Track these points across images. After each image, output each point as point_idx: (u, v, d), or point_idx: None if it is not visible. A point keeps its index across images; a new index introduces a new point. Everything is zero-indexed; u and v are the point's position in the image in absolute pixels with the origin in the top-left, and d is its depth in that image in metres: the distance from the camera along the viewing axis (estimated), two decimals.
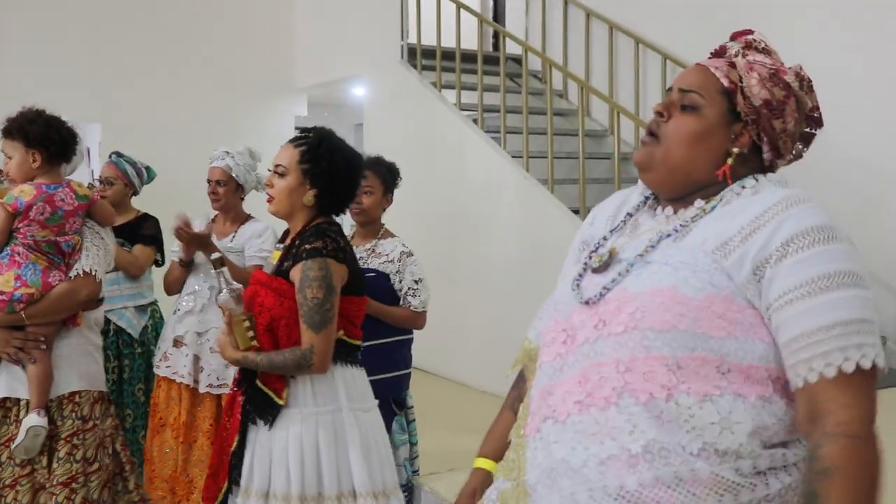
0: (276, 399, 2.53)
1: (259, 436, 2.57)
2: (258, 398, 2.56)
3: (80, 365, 3.02)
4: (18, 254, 2.92)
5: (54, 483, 2.88)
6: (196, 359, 3.79)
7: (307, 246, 2.55)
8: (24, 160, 2.96)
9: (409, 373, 3.78)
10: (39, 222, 2.91)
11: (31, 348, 2.90)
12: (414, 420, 3.81)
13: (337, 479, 2.55)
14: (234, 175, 3.90)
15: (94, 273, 2.98)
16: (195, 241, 3.62)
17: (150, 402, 3.95)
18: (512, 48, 7.71)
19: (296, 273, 2.54)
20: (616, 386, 1.33)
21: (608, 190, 6.25)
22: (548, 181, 6.28)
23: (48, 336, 2.95)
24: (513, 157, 6.57)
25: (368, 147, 8.18)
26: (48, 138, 2.97)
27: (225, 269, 2.59)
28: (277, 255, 2.68)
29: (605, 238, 1.55)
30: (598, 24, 7.86)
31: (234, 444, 2.61)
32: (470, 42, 7.51)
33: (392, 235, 3.74)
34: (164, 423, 3.82)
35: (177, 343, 3.82)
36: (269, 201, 2.67)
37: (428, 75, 7.55)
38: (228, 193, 3.92)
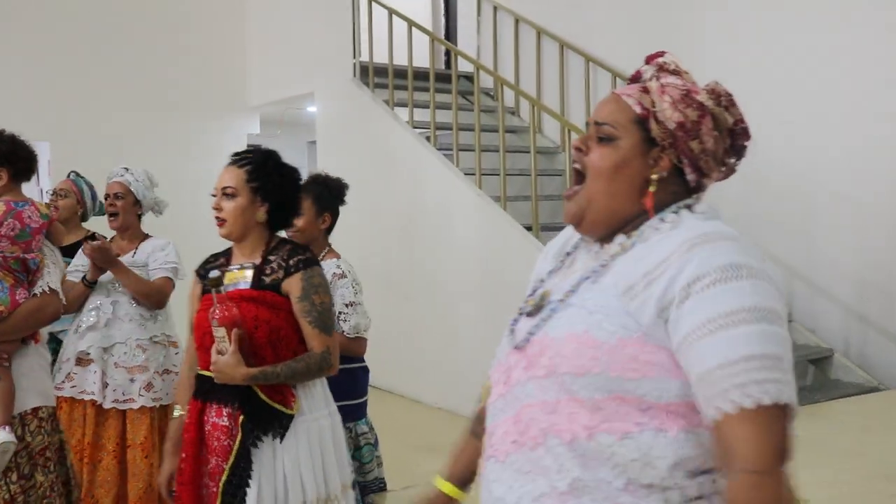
0: (286, 410, 2.57)
1: (261, 456, 2.54)
2: (265, 414, 2.55)
3: (38, 381, 3.02)
4: None
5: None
6: (102, 374, 3.72)
7: (298, 258, 2.64)
8: None
9: (358, 404, 3.61)
10: (10, 238, 2.90)
11: None
12: (368, 445, 3.68)
13: (339, 476, 2.71)
14: (132, 189, 3.89)
15: (57, 290, 3.00)
16: (99, 257, 3.67)
17: None
18: (464, 66, 7.78)
19: (294, 283, 2.61)
20: (543, 427, 1.36)
21: (560, 207, 6.32)
22: (500, 198, 6.32)
23: (11, 353, 2.94)
24: (466, 174, 6.62)
25: (321, 164, 8.17)
26: (15, 156, 2.99)
27: (220, 289, 2.56)
28: (242, 273, 2.66)
29: (542, 280, 1.57)
30: (549, 42, 7.95)
31: (226, 473, 2.52)
32: (422, 60, 7.55)
33: (336, 256, 3.59)
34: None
35: (81, 361, 3.74)
36: (219, 225, 2.67)
37: (380, 93, 7.58)
38: (127, 207, 3.89)
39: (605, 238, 1.48)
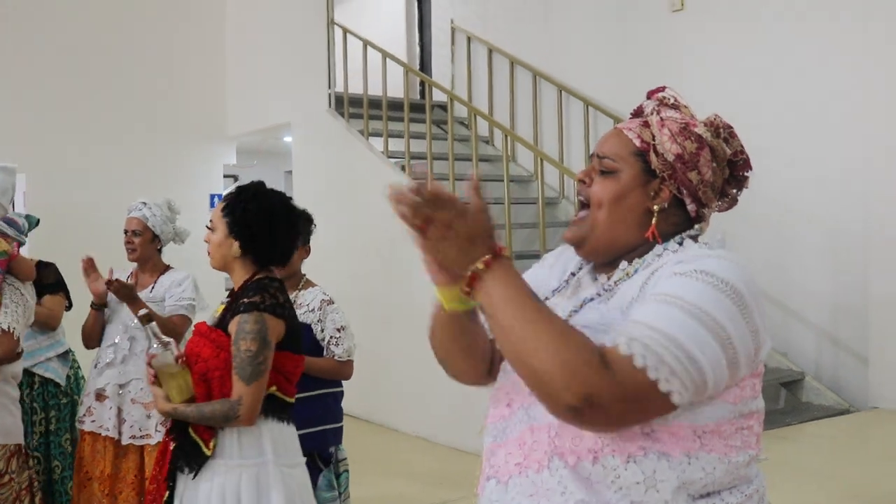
0: (204, 449, 2.54)
1: (187, 486, 2.57)
2: (188, 447, 2.56)
3: None
4: None
5: None
6: (119, 410, 3.79)
7: (245, 300, 2.57)
8: None
9: (339, 427, 3.68)
10: None
11: None
12: (346, 472, 3.72)
13: None
14: (150, 225, 3.93)
15: (11, 331, 2.95)
16: (122, 294, 3.68)
17: (76, 456, 3.92)
18: (438, 96, 7.85)
19: (233, 326, 2.57)
20: (547, 450, 1.37)
21: (534, 234, 6.38)
22: None
23: None
24: None
25: (297, 194, 8.19)
26: None
27: (153, 325, 2.58)
28: (221, 308, 2.70)
29: (546, 298, 1.58)
30: (522, 72, 8.04)
31: (166, 494, 2.59)
32: (396, 90, 7.62)
33: (313, 285, 3.69)
34: (90, 477, 3.80)
35: (99, 396, 3.82)
36: (209, 254, 2.72)
37: (355, 123, 7.63)
38: (144, 244, 3.94)
39: (609, 264, 1.52)
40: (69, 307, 4.29)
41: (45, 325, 4.08)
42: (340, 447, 3.70)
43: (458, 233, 1.29)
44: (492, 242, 1.31)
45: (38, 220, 4.13)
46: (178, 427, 2.60)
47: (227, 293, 2.82)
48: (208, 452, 2.53)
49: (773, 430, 5.15)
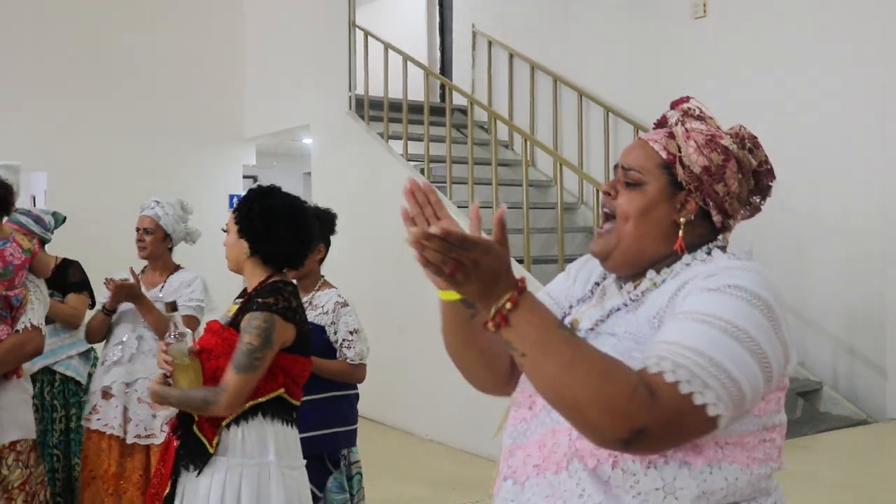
0: (208, 446, 2.56)
1: (188, 482, 2.60)
2: (192, 444, 2.59)
3: (18, 414, 3.02)
4: None
5: None
6: (125, 409, 3.79)
7: (260, 300, 2.61)
8: None
9: (353, 430, 3.67)
10: None
11: None
12: (358, 474, 3.72)
13: None
14: (161, 224, 3.94)
15: (40, 327, 3.00)
16: (123, 294, 3.70)
17: (82, 455, 3.92)
18: (458, 100, 7.86)
19: (243, 323, 2.60)
20: (567, 452, 1.37)
21: (552, 239, 6.38)
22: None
23: None
24: (459, 207, 6.66)
25: (316, 196, 8.21)
26: None
27: (177, 315, 2.62)
28: (234, 308, 2.72)
29: (571, 307, 1.60)
30: (543, 77, 8.04)
31: (167, 489, 2.61)
32: (417, 94, 7.63)
33: (330, 287, 3.67)
34: (94, 476, 3.79)
35: (105, 394, 3.80)
36: (227, 257, 2.76)
37: (375, 126, 7.64)
38: (156, 242, 3.94)
39: (635, 275, 1.52)
40: (92, 305, 4.32)
41: (69, 323, 4.10)
42: (353, 449, 3.70)
43: (484, 271, 1.25)
44: (512, 277, 1.28)
45: (65, 218, 4.17)
46: (182, 425, 2.62)
47: (239, 294, 2.85)
48: (211, 450, 2.55)
49: (790, 439, 5.08)
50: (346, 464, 3.63)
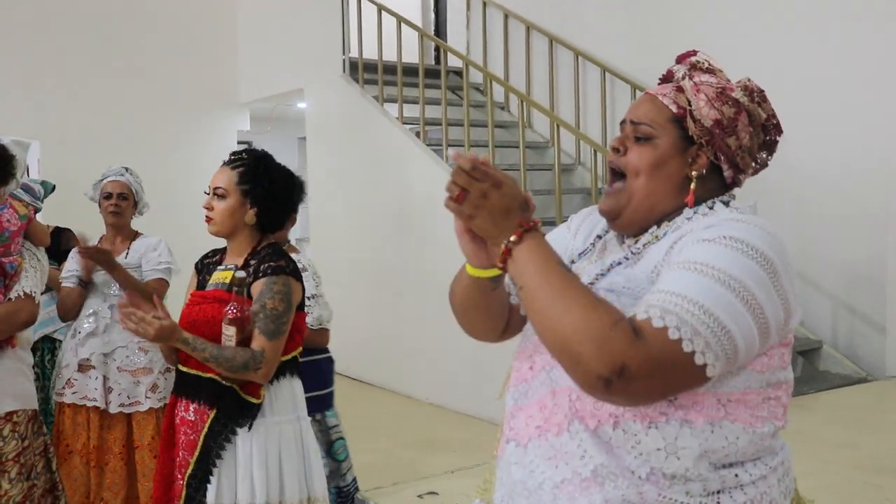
0: (254, 400, 2.58)
1: (224, 452, 2.58)
2: (232, 407, 2.57)
3: (14, 384, 2.97)
4: None
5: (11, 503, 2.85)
6: (105, 380, 3.72)
7: (271, 263, 2.62)
8: None
9: (326, 394, 3.67)
10: None
11: None
12: (340, 439, 3.71)
13: (298, 485, 2.63)
14: (133, 191, 3.91)
15: (33, 295, 2.94)
16: (102, 260, 3.64)
17: (54, 430, 3.79)
18: (453, 62, 7.78)
19: (257, 287, 2.60)
20: (568, 413, 1.36)
21: (550, 201, 6.34)
22: None
23: None
24: None
25: (311, 160, 8.17)
26: None
27: (242, 291, 2.58)
28: (227, 274, 2.68)
29: (572, 262, 1.57)
30: (538, 37, 7.96)
31: (191, 467, 2.58)
32: (411, 56, 7.55)
33: (296, 251, 3.68)
34: (70, 451, 3.71)
35: (83, 367, 3.72)
36: (207, 221, 2.70)
37: (370, 89, 7.58)
38: (128, 207, 3.90)
39: (639, 231, 1.50)
40: None
41: None
42: (329, 413, 3.70)
43: (493, 204, 1.28)
44: (525, 215, 1.30)
45: (54, 187, 4.12)
46: (220, 392, 2.58)
47: (214, 256, 2.81)
48: (259, 401, 2.58)
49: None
50: (324, 429, 3.63)
